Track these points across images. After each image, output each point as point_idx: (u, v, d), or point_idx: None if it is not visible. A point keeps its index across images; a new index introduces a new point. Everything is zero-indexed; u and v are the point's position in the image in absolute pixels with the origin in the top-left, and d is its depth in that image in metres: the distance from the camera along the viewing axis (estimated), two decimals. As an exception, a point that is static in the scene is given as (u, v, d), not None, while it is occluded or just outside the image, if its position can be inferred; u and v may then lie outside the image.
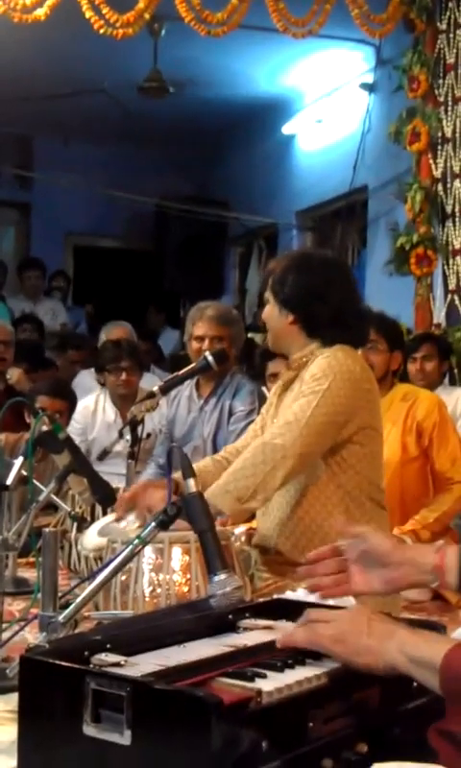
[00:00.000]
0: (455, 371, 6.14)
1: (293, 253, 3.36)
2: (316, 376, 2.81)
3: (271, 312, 2.99)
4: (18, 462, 2.60)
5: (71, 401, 5.00)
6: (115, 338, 5.71)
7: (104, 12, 5.82)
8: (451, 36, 6.48)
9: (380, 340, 4.22)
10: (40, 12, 5.68)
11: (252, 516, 3.10)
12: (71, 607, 1.78)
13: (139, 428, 3.31)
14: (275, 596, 2.03)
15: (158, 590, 2.37)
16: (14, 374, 5.94)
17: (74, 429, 5.26)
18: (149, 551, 2.38)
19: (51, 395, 4.79)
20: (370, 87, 8.28)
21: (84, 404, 5.44)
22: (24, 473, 2.63)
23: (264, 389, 4.73)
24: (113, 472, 4.86)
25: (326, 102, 8.94)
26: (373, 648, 1.52)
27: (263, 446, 2.75)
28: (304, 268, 2.96)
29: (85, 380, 6.32)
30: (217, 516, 2.81)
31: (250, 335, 6.79)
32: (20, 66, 8.17)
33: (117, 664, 1.48)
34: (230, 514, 2.73)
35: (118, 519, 2.84)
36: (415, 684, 1.62)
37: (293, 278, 2.92)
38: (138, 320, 6.62)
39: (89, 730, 1.41)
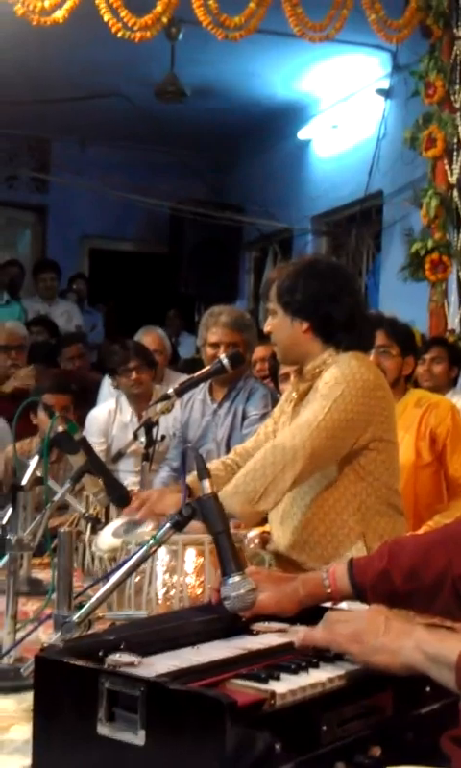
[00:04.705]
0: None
1: (297, 262, 3.32)
2: (329, 384, 2.80)
3: (280, 323, 2.93)
4: (33, 462, 2.61)
5: (76, 395, 4.98)
6: (146, 342, 5.68)
7: (122, 15, 5.83)
8: (468, 42, 6.48)
9: (392, 345, 4.19)
10: (59, 15, 5.70)
11: (265, 520, 3.10)
12: (86, 607, 1.78)
13: (154, 430, 3.31)
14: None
15: (172, 592, 2.37)
16: (21, 372, 5.92)
17: (96, 432, 5.28)
18: (163, 553, 2.37)
19: (54, 391, 4.76)
20: (386, 93, 8.29)
21: (107, 408, 5.46)
22: (39, 474, 2.64)
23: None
24: (127, 470, 4.89)
25: (342, 107, 8.94)
26: (389, 647, 1.53)
27: (274, 449, 2.74)
28: (313, 274, 2.92)
29: (105, 388, 6.30)
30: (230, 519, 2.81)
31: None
32: (38, 69, 8.20)
33: (131, 664, 1.49)
34: (241, 516, 2.72)
35: (129, 522, 2.85)
36: (428, 688, 1.62)
37: (304, 285, 2.88)
38: (154, 324, 6.60)
39: (103, 729, 1.41)
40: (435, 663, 1.48)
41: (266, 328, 3.04)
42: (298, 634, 1.67)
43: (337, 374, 2.80)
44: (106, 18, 5.82)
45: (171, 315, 10.21)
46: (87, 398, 6.02)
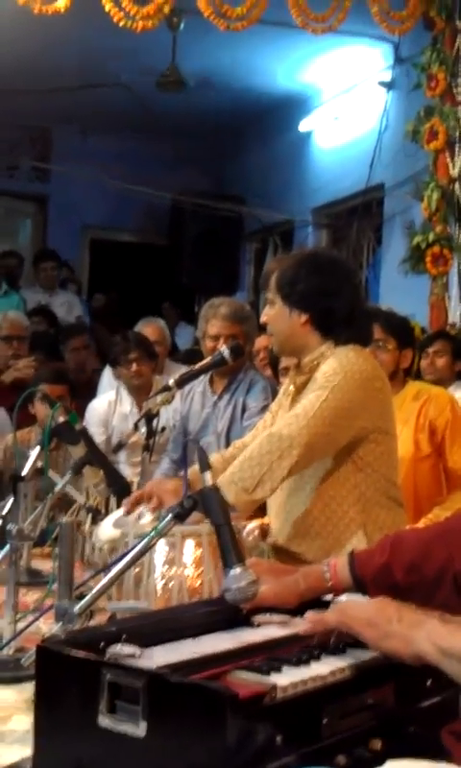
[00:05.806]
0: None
1: (297, 253, 3.31)
2: (327, 374, 2.80)
3: (279, 314, 2.92)
4: (34, 452, 2.60)
5: (71, 385, 5.03)
6: (146, 334, 5.68)
7: (123, 4, 5.82)
8: (471, 34, 6.46)
9: (389, 339, 4.18)
10: (60, 4, 5.68)
11: (263, 512, 3.10)
12: (87, 597, 1.78)
13: (154, 421, 3.30)
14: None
15: (171, 584, 2.37)
16: (20, 363, 5.93)
17: (96, 423, 5.29)
18: (161, 544, 2.37)
19: (51, 381, 4.83)
20: (388, 85, 8.26)
21: (108, 399, 5.47)
22: (39, 465, 2.64)
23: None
24: (127, 462, 4.88)
25: (343, 99, 8.92)
26: (402, 634, 1.53)
27: (270, 437, 2.73)
28: (314, 266, 2.92)
29: (105, 378, 6.29)
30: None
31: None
32: (39, 59, 8.17)
33: (132, 656, 1.48)
34: (237, 504, 2.70)
35: (128, 513, 2.84)
36: (429, 682, 1.62)
37: (305, 277, 2.88)
38: (154, 315, 6.59)
39: (104, 721, 1.41)
40: (447, 657, 1.49)
41: (263, 319, 3.03)
42: (307, 617, 1.68)
43: (335, 365, 2.80)
44: (107, 8, 5.81)
45: (166, 306, 10.16)
46: (88, 392, 6.02)
